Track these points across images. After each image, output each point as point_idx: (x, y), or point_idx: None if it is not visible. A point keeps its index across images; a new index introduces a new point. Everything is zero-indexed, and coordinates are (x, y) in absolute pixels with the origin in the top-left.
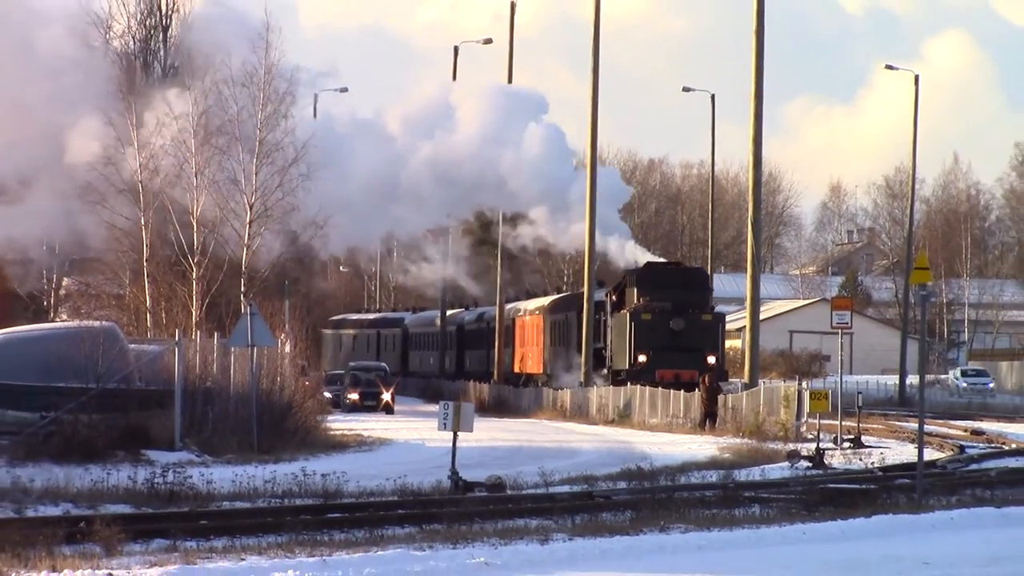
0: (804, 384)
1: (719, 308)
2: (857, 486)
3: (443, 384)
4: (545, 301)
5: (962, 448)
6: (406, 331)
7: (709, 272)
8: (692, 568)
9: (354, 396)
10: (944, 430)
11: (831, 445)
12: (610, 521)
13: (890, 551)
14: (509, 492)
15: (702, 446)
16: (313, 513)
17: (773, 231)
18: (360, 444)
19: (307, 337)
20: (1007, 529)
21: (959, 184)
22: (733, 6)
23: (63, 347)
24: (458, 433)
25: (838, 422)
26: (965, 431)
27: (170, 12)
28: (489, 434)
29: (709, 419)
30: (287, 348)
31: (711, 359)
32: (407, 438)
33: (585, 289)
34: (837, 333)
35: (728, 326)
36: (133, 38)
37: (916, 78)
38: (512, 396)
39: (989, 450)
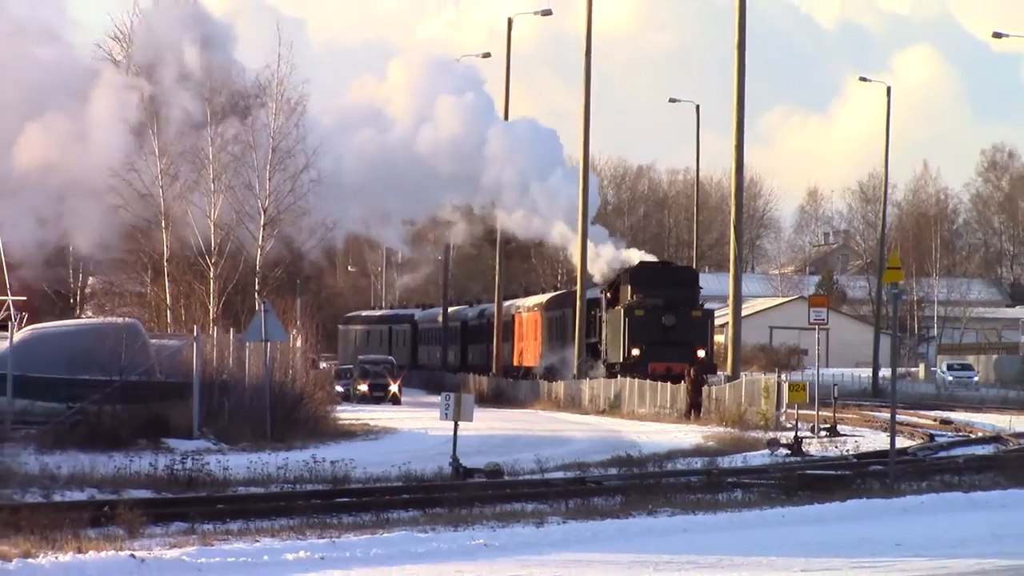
0: (783, 376)
1: (707, 305)
2: (833, 472)
3: (445, 376)
4: (543, 298)
5: (931, 436)
6: (415, 326)
7: None
8: (678, 549)
9: (363, 388)
10: (915, 420)
11: (808, 434)
12: (601, 505)
13: (864, 533)
14: (507, 478)
15: (687, 435)
16: (323, 498)
17: (754, 233)
18: (367, 433)
19: (318, 332)
20: (974, 512)
21: (928, 189)
22: (714, 23)
23: (88, 342)
24: (459, 423)
25: (815, 412)
26: (934, 420)
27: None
28: (488, 424)
29: (694, 409)
30: (299, 343)
31: (701, 353)
32: (411, 427)
33: (578, 288)
34: (814, 329)
35: None
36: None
37: (888, 90)
38: (510, 388)
39: (957, 438)
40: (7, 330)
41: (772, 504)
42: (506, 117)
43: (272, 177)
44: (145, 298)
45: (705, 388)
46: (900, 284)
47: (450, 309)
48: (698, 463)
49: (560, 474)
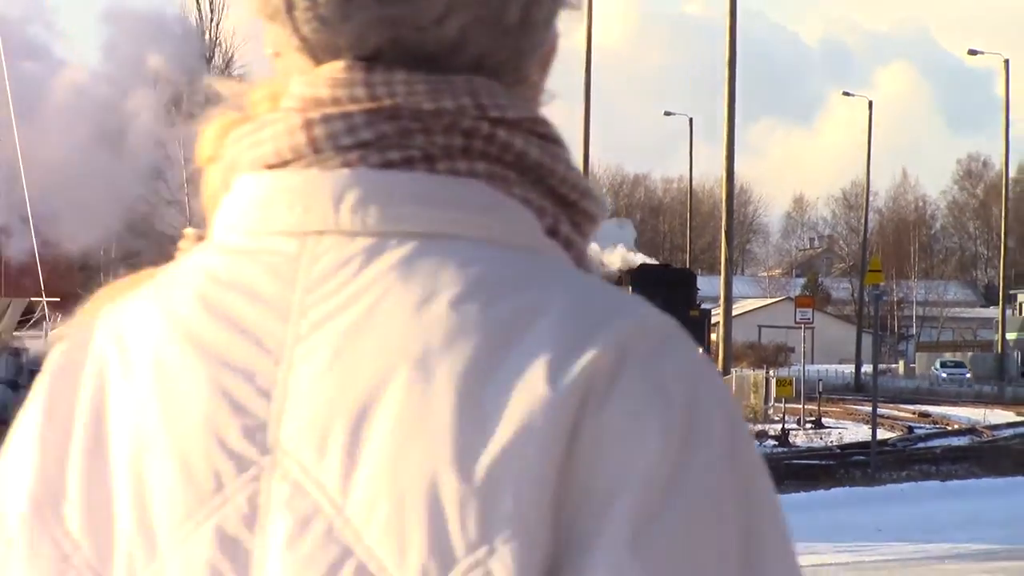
0: (771, 372)
1: (702, 306)
2: (818, 462)
3: None
4: None
5: (911, 429)
6: None
7: None
8: None
9: None
10: (895, 413)
11: (795, 426)
12: None
13: (847, 519)
14: None
15: None
16: None
17: (744, 238)
18: None
19: None
20: (950, 500)
21: (908, 196)
22: (705, 41)
23: None
24: None
25: (801, 406)
26: (913, 414)
27: (213, 44)
28: None
29: None
30: None
31: (699, 350)
32: None
33: None
34: (800, 328)
35: None
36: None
37: (870, 104)
38: None
39: (934, 430)
40: (43, 329)
41: None
42: None
43: None
44: None
45: None
46: (881, 286)
47: None
48: None
49: None
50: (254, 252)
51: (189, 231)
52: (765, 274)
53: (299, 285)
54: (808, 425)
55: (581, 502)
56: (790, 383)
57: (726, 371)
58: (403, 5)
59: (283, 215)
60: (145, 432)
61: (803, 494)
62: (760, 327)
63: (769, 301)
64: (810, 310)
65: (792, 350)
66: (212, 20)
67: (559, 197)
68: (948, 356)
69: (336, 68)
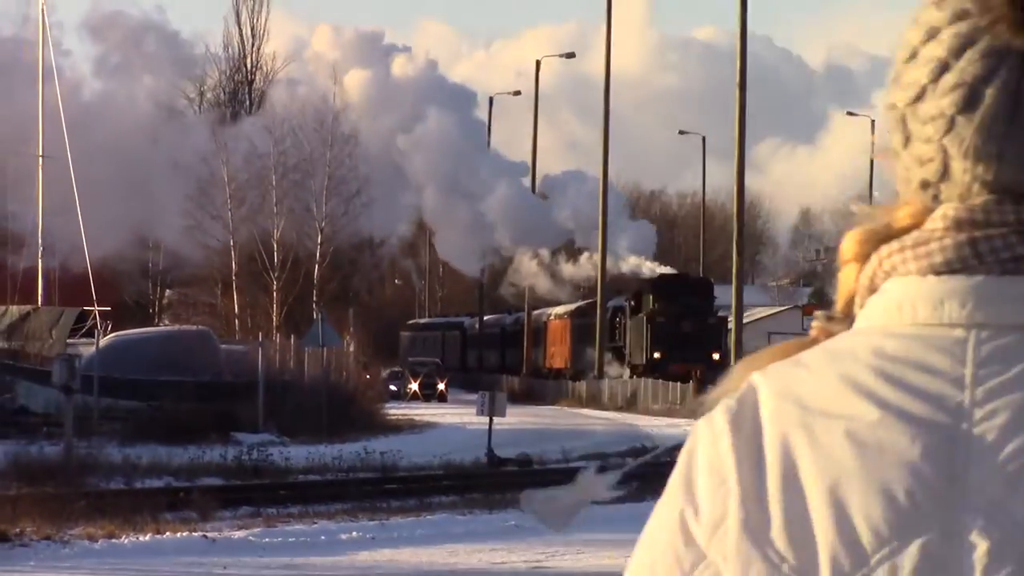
0: None
1: (720, 313)
2: None
3: (483, 377)
4: (571, 307)
5: None
6: (464, 333)
7: None
8: None
9: (414, 387)
10: None
11: None
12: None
13: None
14: (535, 467)
15: None
16: (373, 485)
17: (754, 249)
18: (412, 427)
19: (370, 339)
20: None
21: None
22: (716, 65)
23: (166, 347)
24: (493, 418)
25: None
26: None
27: (254, 68)
28: (519, 418)
29: None
30: (351, 348)
31: (715, 356)
32: (451, 422)
33: (597, 299)
34: (807, 334)
35: None
36: (223, 90)
37: (872, 123)
38: (538, 387)
39: None
40: (94, 337)
41: None
42: (534, 147)
43: (328, 201)
44: (216, 308)
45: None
46: None
47: (492, 317)
48: None
49: (583, 463)
50: (924, 337)
51: (819, 314)
52: (774, 283)
53: (970, 362)
54: None
55: None
56: None
57: None
58: None
59: (954, 310)
60: (841, 469)
61: None
62: (770, 334)
63: (778, 309)
64: None
65: None
66: (253, 45)
67: None
68: None
69: (989, 200)
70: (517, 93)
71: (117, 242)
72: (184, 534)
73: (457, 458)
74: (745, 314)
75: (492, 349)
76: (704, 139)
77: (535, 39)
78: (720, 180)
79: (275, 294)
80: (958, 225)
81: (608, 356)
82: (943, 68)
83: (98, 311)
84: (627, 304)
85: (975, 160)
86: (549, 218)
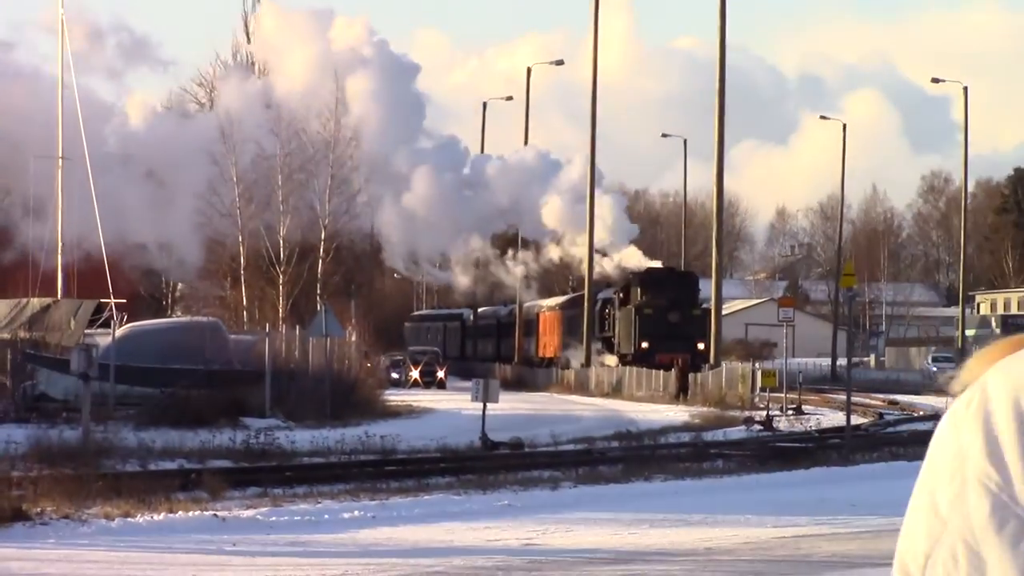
0: (757, 365)
1: (703, 306)
2: (799, 445)
3: (477, 366)
4: (561, 299)
5: (881, 415)
6: (464, 323)
7: None
8: (670, 509)
9: (414, 375)
10: (867, 401)
11: (778, 413)
12: (606, 472)
13: (824, 495)
14: (527, 450)
15: (677, 413)
16: (374, 467)
17: (732, 246)
18: (410, 413)
19: (371, 329)
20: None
21: (877, 209)
22: (696, 72)
23: (178, 337)
24: (487, 403)
25: (784, 395)
26: (883, 402)
27: (260, 76)
28: (511, 404)
29: (683, 392)
30: (353, 338)
31: (700, 345)
32: (447, 408)
33: (585, 292)
34: (783, 325)
35: None
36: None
37: (844, 126)
38: (529, 375)
39: (902, 416)
40: (110, 327)
41: (748, 471)
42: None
43: (331, 200)
44: (225, 301)
45: (691, 374)
46: (854, 288)
47: (488, 308)
48: (686, 437)
49: (571, 446)
50: None
51: None
52: (751, 278)
53: None
54: (790, 412)
55: None
56: (774, 375)
57: (716, 364)
58: None
59: None
60: None
61: (786, 473)
62: (747, 325)
63: (755, 302)
64: (791, 310)
65: (775, 345)
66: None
67: None
68: (939, 351)
69: None
70: (509, 98)
71: (132, 238)
72: (196, 513)
73: (453, 442)
74: (724, 306)
75: (488, 339)
76: (686, 142)
77: (525, 47)
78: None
79: (281, 287)
80: None
81: (599, 346)
82: None
83: (114, 303)
84: (616, 296)
85: None
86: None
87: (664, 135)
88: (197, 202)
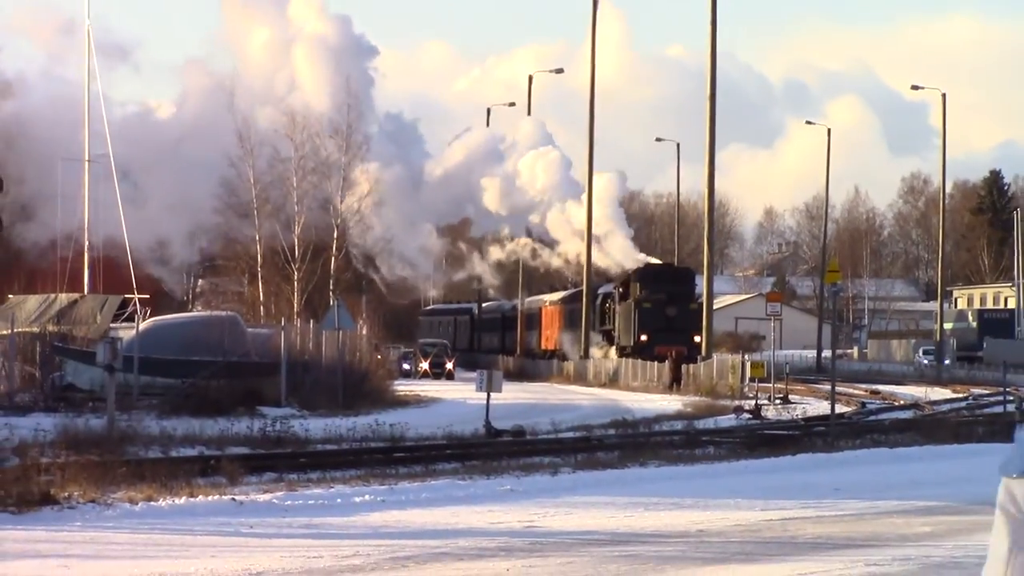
0: (746, 357)
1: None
2: (785, 432)
3: (480, 357)
4: (563, 294)
5: (864, 404)
6: (473, 317)
7: None
8: (664, 493)
9: (424, 366)
10: (850, 390)
11: (766, 402)
12: (603, 458)
13: (810, 480)
14: (528, 437)
15: (671, 402)
16: (383, 453)
17: (723, 244)
18: (418, 402)
19: (381, 323)
20: (897, 464)
21: (860, 209)
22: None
23: (198, 330)
24: (491, 393)
25: (771, 385)
26: (866, 391)
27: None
28: (514, 394)
29: (676, 382)
30: (364, 331)
31: (697, 338)
32: (453, 397)
33: (584, 287)
34: (770, 319)
35: None
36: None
37: (828, 131)
38: (531, 366)
39: (884, 406)
40: (135, 321)
41: (738, 457)
42: None
43: (343, 200)
44: (243, 296)
45: (684, 365)
46: (838, 284)
47: (494, 303)
48: (679, 425)
49: (570, 434)
50: None
51: None
52: (741, 274)
53: None
54: (777, 401)
55: None
56: (762, 366)
57: (708, 355)
58: None
59: None
60: None
61: (773, 459)
62: (737, 319)
63: (744, 297)
64: (779, 304)
65: (763, 338)
66: None
67: None
68: (928, 344)
69: None
70: (512, 104)
71: (156, 236)
72: (215, 497)
73: (458, 429)
74: (715, 301)
75: (493, 332)
76: (679, 146)
77: (525, 56)
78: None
79: (296, 283)
80: None
81: (599, 338)
82: None
83: (138, 298)
84: (616, 291)
85: None
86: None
87: (658, 139)
88: (216, 203)
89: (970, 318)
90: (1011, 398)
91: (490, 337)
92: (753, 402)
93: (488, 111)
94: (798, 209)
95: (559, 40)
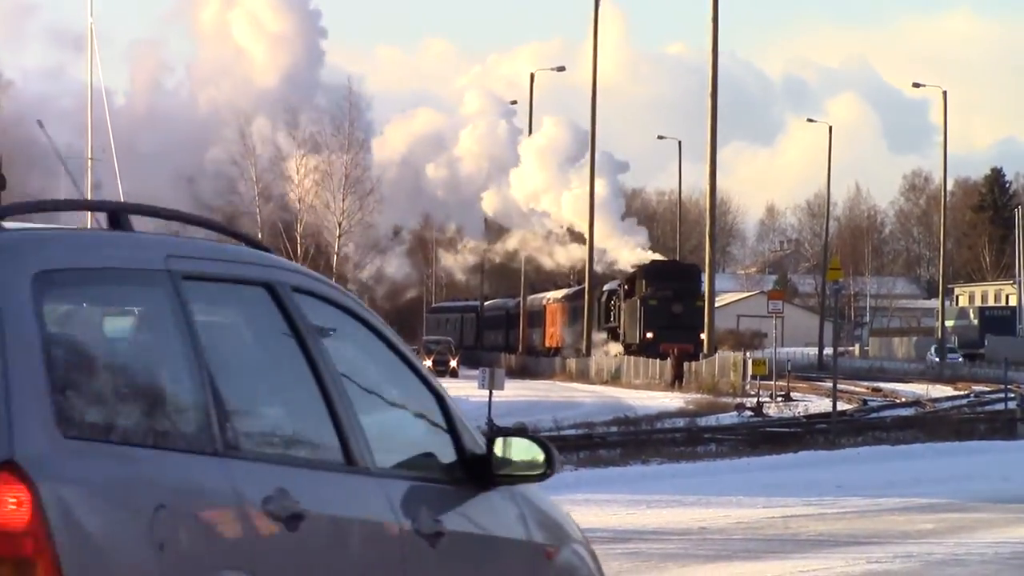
0: (748, 354)
1: None
2: (787, 429)
3: (483, 355)
4: (567, 291)
5: (865, 401)
6: (479, 314)
7: None
8: (666, 490)
9: (428, 363)
10: (852, 388)
11: (768, 399)
12: (605, 456)
13: (812, 477)
14: (531, 435)
15: (673, 400)
16: None
17: (724, 241)
18: None
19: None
20: (899, 461)
21: (861, 207)
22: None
23: None
24: (493, 391)
25: (773, 382)
26: (867, 389)
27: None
28: (516, 391)
29: (678, 380)
30: None
31: (702, 336)
32: (456, 395)
33: (586, 285)
34: (772, 316)
35: None
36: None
37: (830, 128)
38: (533, 364)
39: (885, 403)
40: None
41: (739, 455)
42: None
43: (345, 198)
44: None
45: (686, 363)
46: (840, 281)
47: (498, 300)
48: (681, 422)
49: (572, 431)
50: None
51: None
52: (743, 272)
53: None
54: (779, 398)
55: None
56: (764, 363)
57: (710, 353)
58: None
59: None
60: None
61: (774, 456)
62: (739, 316)
63: (746, 294)
64: (780, 302)
65: (765, 335)
66: None
67: None
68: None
69: None
70: (514, 102)
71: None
72: None
73: None
74: (717, 298)
75: (497, 330)
76: (680, 143)
77: (526, 54)
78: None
79: None
80: None
81: (604, 336)
82: None
83: None
84: (621, 288)
85: None
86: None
87: (660, 137)
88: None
89: (971, 315)
90: (1012, 395)
91: (494, 334)
92: (755, 399)
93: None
94: (799, 207)
95: (557, 38)
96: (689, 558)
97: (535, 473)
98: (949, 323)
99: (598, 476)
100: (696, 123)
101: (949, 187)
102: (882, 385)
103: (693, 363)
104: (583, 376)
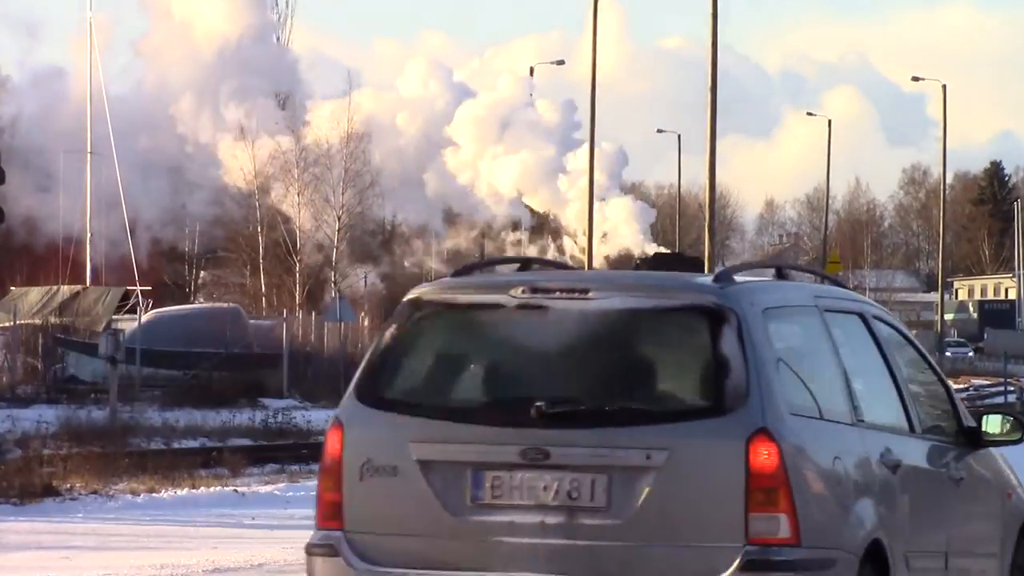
0: None
1: None
2: None
3: None
4: None
5: None
6: None
7: None
8: None
9: None
10: None
11: None
12: None
13: None
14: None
15: None
16: None
17: (724, 235)
18: None
19: (382, 314)
20: None
21: (860, 200)
22: (685, 71)
23: (201, 323)
24: None
25: None
26: None
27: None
28: None
29: None
30: (366, 322)
31: None
32: None
33: None
34: None
35: None
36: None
37: (829, 122)
38: None
39: None
40: (137, 313)
41: None
42: None
43: (344, 193)
44: (245, 288)
45: None
46: (839, 274)
47: None
48: None
49: None
50: None
51: None
52: None
53: None
54: None
55: None
56: None
57: None
58: None
59: None
60: None
61: None
62: None
63: None
64: None
65: None
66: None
67: None
68: (952, 338)
69: None
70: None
71: (158, 228)
72: (217, 489)
73: None
74: None
75: None
76: (679, 137)
77: (525, 47)
78: (693, 173)
79: (298, 275)
80: None
81: None
82: None
83: (140, 290)
84: None
85: None
86: None
87: (659, 131)
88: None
89: (971, 309)
90: (1012, 389)
91: None
92: None
93: None
94: (799, 200)
95: (554, 32)
96: None
97: (1014, 438)
98: (948, 316)
99: None
100: (695, 117)
101: (948, 181)
102: None
103: None
104: None
